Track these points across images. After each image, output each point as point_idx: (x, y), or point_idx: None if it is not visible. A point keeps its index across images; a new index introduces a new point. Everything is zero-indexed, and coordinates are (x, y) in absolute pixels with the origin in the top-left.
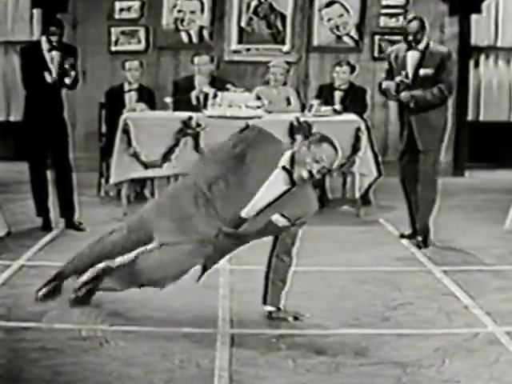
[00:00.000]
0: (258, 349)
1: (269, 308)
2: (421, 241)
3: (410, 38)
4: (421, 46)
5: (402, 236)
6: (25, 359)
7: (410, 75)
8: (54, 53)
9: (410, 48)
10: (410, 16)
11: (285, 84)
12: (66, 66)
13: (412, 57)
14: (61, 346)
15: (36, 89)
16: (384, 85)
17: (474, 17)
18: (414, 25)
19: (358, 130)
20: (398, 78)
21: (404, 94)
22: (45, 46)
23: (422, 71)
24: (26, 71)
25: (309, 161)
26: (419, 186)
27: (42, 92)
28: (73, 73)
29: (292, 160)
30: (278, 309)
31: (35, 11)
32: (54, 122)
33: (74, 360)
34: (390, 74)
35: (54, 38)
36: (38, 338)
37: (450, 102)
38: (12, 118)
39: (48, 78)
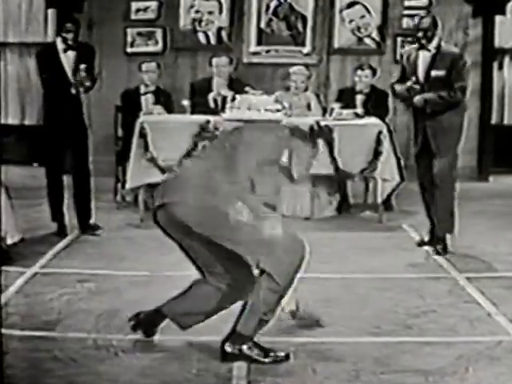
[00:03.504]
0: None
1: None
2: (440, 247)
3: (420, 34)
4: (432, 46)
5: (420, 244)
6: (38, 369)
7: (422, 77)
8: (70, 53)
9: (421, 48)
10: (422, 13)
11: (306, 90)
12: (82, 75)
13: (423, 58)
14: (75, 356)
15: (55, 92)
16: (397, 89)
17: (498, 18)
18: (426, 21)
19: (380, 133)
20: (408, 83)
21: (417, 98)
22: (60, 46)
23: (433, 72)
24: (43, 75)
25: None
26: (437, 192)
27: (61, 95)
28: (87, 83)
29: None
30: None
31: (50, 12)
32: (74, 125)
33: (89, 370)
34: (403, 76)
35: (69, 36)
36: (52, 348)
37: (474, 105)
38: (27, 122)
39: (72, 90)
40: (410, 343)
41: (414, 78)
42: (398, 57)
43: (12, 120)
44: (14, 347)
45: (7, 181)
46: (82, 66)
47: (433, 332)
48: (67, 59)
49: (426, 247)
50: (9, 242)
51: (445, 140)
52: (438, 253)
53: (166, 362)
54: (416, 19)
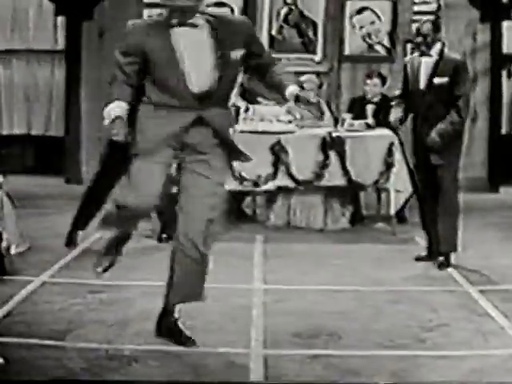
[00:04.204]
0: (292, 370)
1: None
2: (443, 260)
3: (420, 39)
4: (433, 52)
5: (418, 259)
6: (47, 377)
7: (423, 84)
8: None
9: (422, 54)
10: (424, 18)
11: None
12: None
13: (426, 64)
14: (86, 365)
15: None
16: (391, 121)
17: (505, 23)
18: (425, 26)
19: (392, 145)
20: (395, 117)
21: (432, 137)
22: None
23: (436, 80)
24: None
25: None
26: (440, 206)
27: None
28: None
29: None
30: None
31: (59, 19)
32: None
33: (101, 379)
34: (405, 86)
35: None
36: (62, 357)
37: (483, 115)
38: (33, 132)
39: None
40: (425, 357)
41: (400, 114)
42: (402, 66)
43: (18, 130)
44: (20, 355)
45: (13, 190)
46: None
47: (446, 346)
48: None
49: (425, 262)
50: (13, 251)
51: (445, 152)
52: (440, 267)
53: (180, 372)
54: (417, 24)
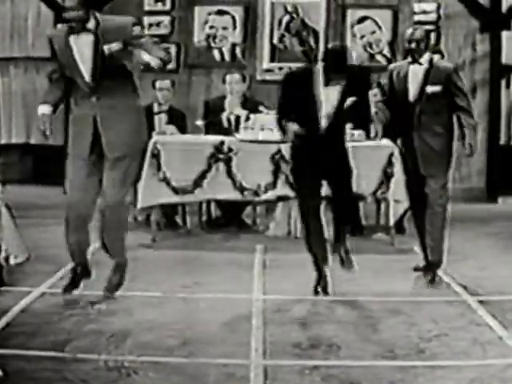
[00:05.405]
0: (292, 380)
1: None
2: (430, 276)
3: (413, 45)
4: (424, 60)
5: (416, 269)
6: None
7: (414, 93)
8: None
9: (412, 62)
10: (415, 25)
11: None
12: None
13: (415, 72)
14: (86, 377)
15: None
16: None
17: (504, 33)
18: (418, 33)
19: (392, 155)
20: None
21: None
22: None
23: (429, 88)
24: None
25: None
26: (427, 213)
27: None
28: None
29: None
30: None
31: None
32: None
33: None
34: (392, 94)
35: None
36: (61, 368)
37: (482, 125)
38: (32, 141)
39: None
40: (423, 367)
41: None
42: (388, 73)
43: (16, 138)
44: (19, 367)
45: (12, 200)
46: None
47: (445, 356)
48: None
49: (439, 271)
50: (11, 262)
51: (435, 164)
52: (430, 281)
53: (179, 383)
54: (408, 31)
